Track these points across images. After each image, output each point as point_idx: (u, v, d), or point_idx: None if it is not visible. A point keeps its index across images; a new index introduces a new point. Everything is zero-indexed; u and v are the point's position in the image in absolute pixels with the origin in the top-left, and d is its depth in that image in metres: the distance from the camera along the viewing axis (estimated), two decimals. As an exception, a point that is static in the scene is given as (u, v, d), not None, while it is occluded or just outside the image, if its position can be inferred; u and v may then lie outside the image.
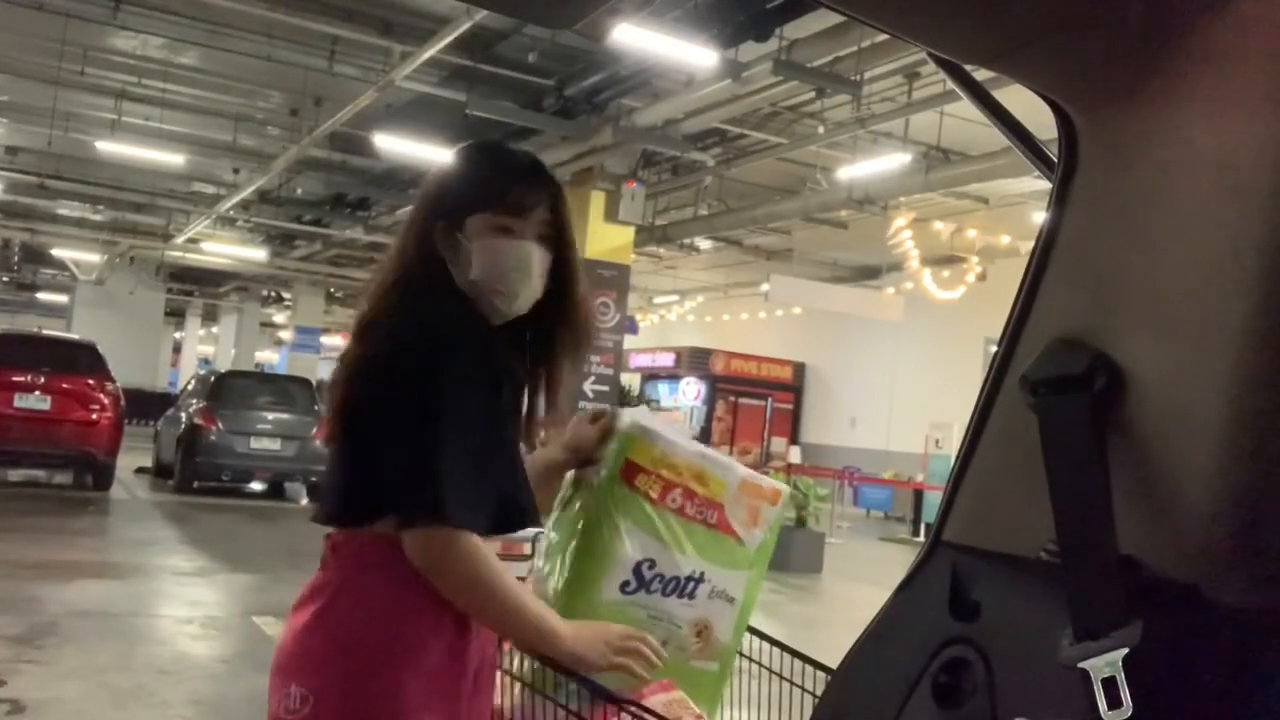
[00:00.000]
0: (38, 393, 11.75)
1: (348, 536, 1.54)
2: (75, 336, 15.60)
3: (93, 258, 24.32)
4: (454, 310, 1.57)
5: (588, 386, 13.31)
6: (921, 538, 15.01)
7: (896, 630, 1.08)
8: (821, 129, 12.19)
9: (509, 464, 1.57)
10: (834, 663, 1.17)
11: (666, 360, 24.35)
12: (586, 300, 1.72)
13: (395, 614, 1.49)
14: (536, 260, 1.59)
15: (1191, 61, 0.86)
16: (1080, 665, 0.82)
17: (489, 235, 1.58)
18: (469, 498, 1.45)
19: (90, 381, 12.17)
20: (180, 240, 22.03)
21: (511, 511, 1.53)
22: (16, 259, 27.51)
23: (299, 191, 19.65)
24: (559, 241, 1.63)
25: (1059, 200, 0.99)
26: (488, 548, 1.49)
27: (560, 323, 1.67)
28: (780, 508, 1.83)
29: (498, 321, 1.62)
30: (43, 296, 32.50)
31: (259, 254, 22.53)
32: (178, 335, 35.96)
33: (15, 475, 12.85)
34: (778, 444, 22.56)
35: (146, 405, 19.85)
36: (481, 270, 1.58)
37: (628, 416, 1.68)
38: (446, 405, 1.47)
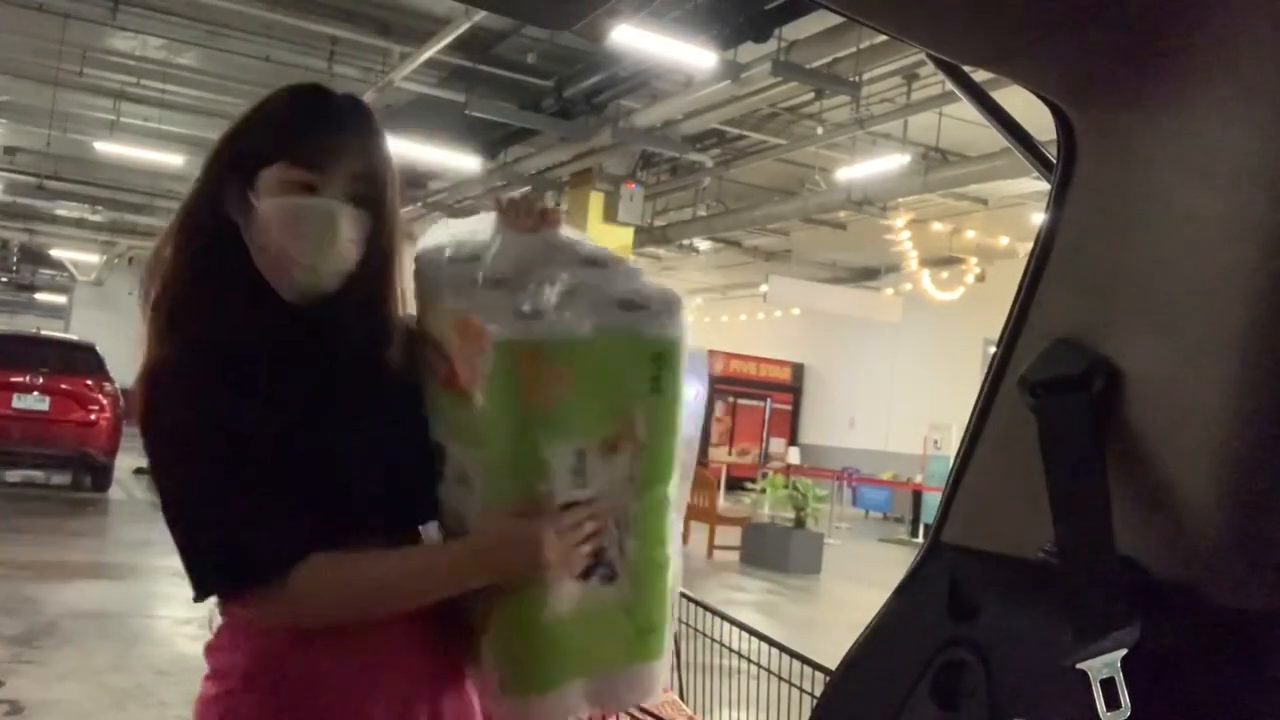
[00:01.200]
0: (36, 393, 11.74)
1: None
2: (74, 337, 15.59)
3: (91, 258, 24.30)
4: (225, 308, 1.29)
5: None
6: (920, 538, 15.01)
7: (895, 631, 1.08)
8: (820, 130, 12.19)
9: (242, 502, 1.23)
10: (833, 664, 1.17)
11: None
12: (396, 280, 1.39)
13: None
14: (344, 223, 1.28)
15: (1191, 63, 0.86)
16: (1079, 666, 0.82)
17: (282, 193, 1.27)
18: (221, 563, 1.23)
19: (89, 382, 12.15)
20: (179, 241, 22.00)
21: (240, 559, 1.21)
22: (15, 260, 27.51)
23: (298, 192, 19.64)
24: (376, 203, 1.32)
25: (1058, 201, 0.99)
26: (318, 559, 1.23)
27: (363, 304, 1.34)
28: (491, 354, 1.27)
29: (303, 301, 1.31)
30: (41, 297, 32.48)
31: (258, 255, 22.50)
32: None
33: (13, 476, 12.84)
34: (776, 444, 22.57)
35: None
36: (271, 236, 1.27)
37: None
38: (162, 457, 1.27)
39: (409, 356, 1.37)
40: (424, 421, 1.35)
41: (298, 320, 1.31)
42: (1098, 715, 0.80)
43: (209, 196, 1.31)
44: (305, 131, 1.30)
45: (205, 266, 1.31)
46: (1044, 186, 1.04)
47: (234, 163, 1.31)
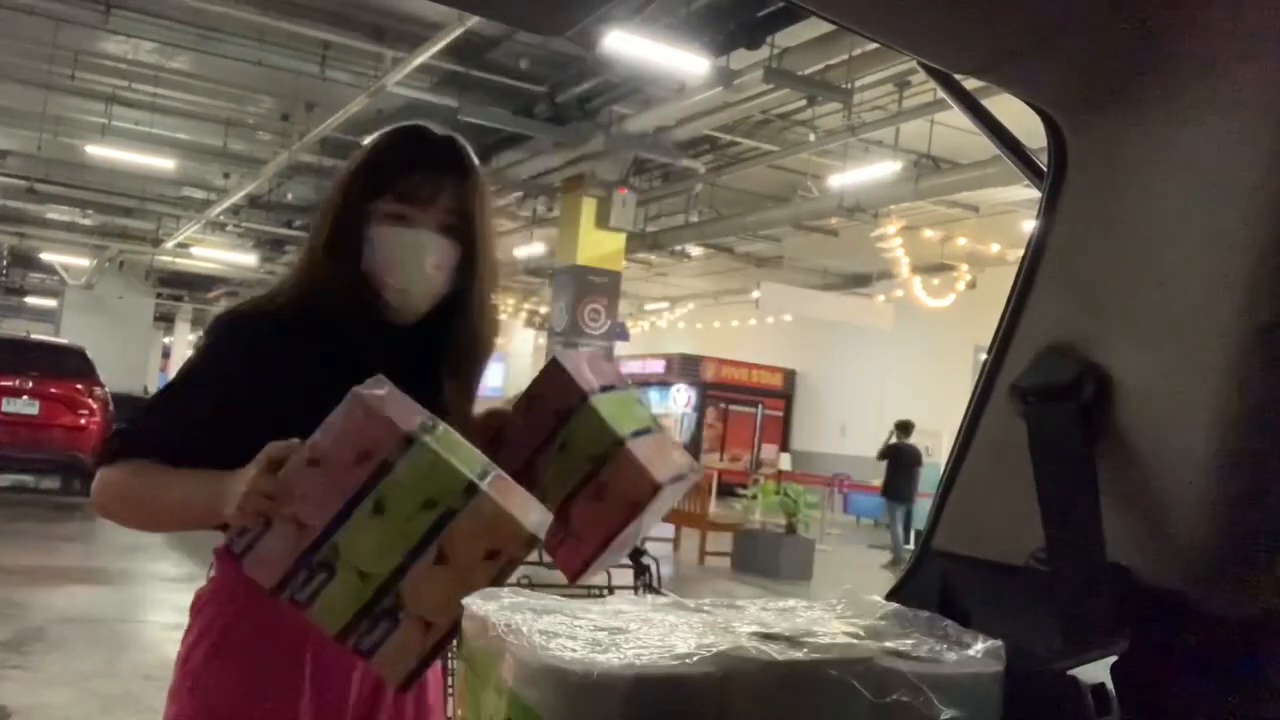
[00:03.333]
0: (26, 397, 11.69)
1: None
2: (64, 341, 15.51)
3: (82, 262, 24.22)
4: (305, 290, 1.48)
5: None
6: (911, 545, 15.01)
7: (886, 637, 1.08)
8: (812, 137, 12.21)
9: (174, 409, 1.45)
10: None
11: (657, 367, 24.34)
12: (488, 306, 1.57)
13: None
14: (432, 251, 1.47)
15: (1179, 72, 0.86)
16: (1069, 672, 0.82)
17: (384, 223, 1.47)
18: (113, 444, 1.42)
19: (79, 386, 12.10)
20: (170, 245, 21.95)
21: (111, 442, 1.43)
22: (5, 263, 27.41)
23: (289, 197, 19.60)
24: (466, 235, 1.50)
25: (1048, 209, 1.00)
26: (134, 462, 1.40)
27: (454, 327, 1.53)
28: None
29: (401, 319, 1.51)
30: (31, 301, 32.36)
31: (249, 259, 22.45)
32: (167, 340, 35.84)
33: (3, 480, 12.78)
34: (768, 451, 22.57)
35: (135, 410, 19.72)
36: (373, 259, 1.47)
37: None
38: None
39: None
40: None
41: (380, 331, 1.49)
42: (1087, 721, 0.80)
43: (353, 215, 1.50)
44: (405, 170, 1.48)
45: (329, 267, 1.49)
46: (1035, 194, 1.05)
47: (360, 193, 1.50)
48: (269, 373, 1.42)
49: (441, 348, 1.53)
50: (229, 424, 1.37)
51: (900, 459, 13.17)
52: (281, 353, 1.45)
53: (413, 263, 1.47)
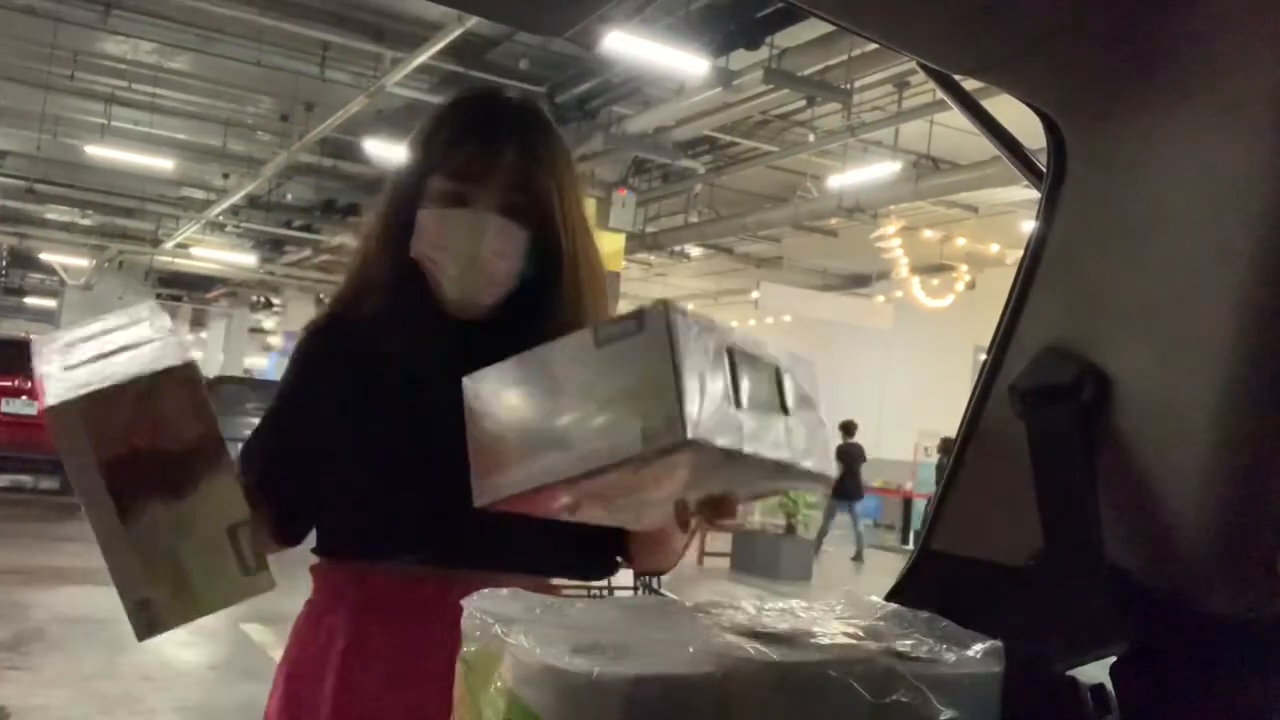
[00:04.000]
0: (24, 397, 11.69)
1: None
2: (63, 341, 15.49)
3: (81, 262, 24.22)
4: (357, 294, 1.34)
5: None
6: (910, 545, 15.01)
7: (885, 638, 1.08)
8: (812, 137, 12.21)
9: (255, 439, 1.36)
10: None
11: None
12: (587, 303, 1.33)
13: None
14: (491, 234, 1.26)
15: (1179, 74, 0.86)
16: (1069, 673, 0.82)
17: (433, 204, 1.29)
18: None
19: (78, 387, 12.10)
20: (169, 245, 21.95)
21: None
22: (4, 263, 27.39)
23: (289, 197, 19.60)
24: (540, 216, 1.29)
25: (1048, 210, 1.00)
26: None
27: (539, 324, 1.23)
28: None
29: (458, 312, 1.31)
30: (30, 301, 32.34)
31: (248, 259, 22.46)
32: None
33: (1, 480, 12.78)
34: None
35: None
36: (421, 243, 1.28)
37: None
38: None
39: None
40: None
41: (442, 331, 1.29)
42: (1087, 722, 0.80)
43: (386, 201, 1.35)
44: (458, 142, 1.29)
45: (379, 257, 1.34)
46: (1034, 195, 1.05)
47: (414, 169, 1.32)
48: (326, 383, 1.33)
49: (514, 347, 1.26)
50: (304, 446, 1.30)
51: (846, 459, 13.37)
52: (337, 359, 1.34)
53: (464, 248, 1.26)
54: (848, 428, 13.87)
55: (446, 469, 1.06)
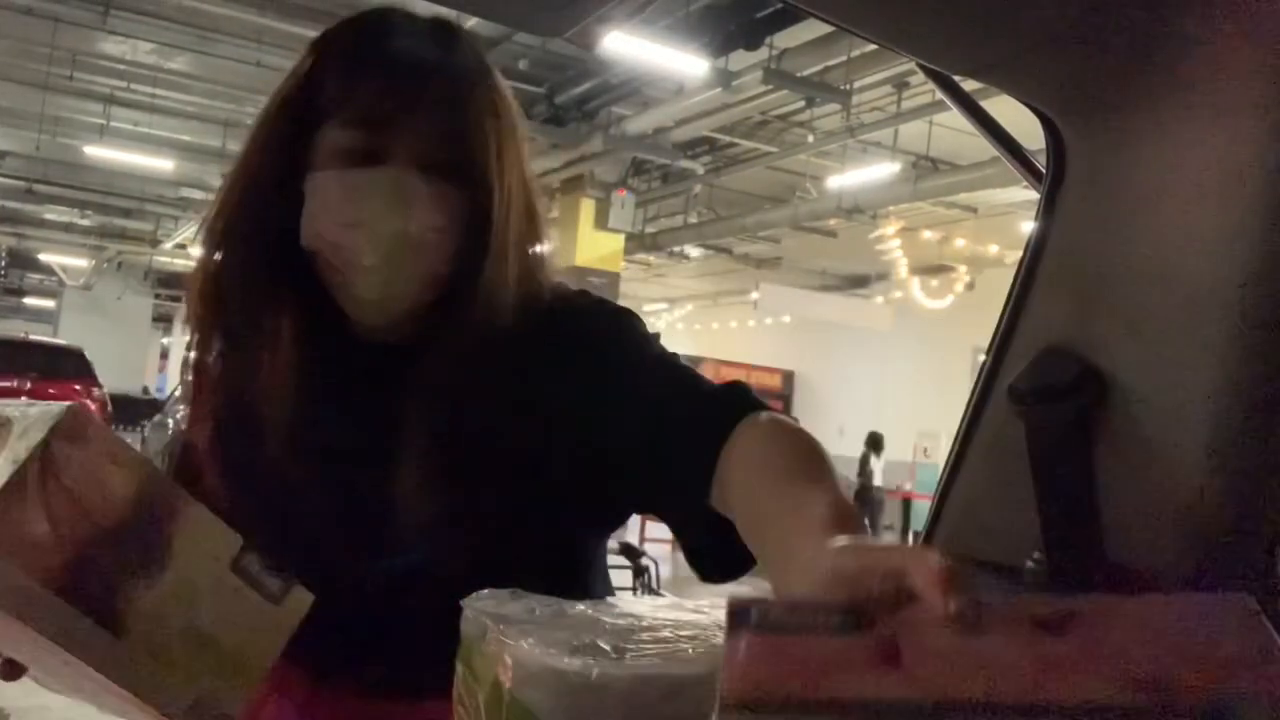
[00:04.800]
0: (24, 398, 11.69)
1: None
2: (62, 342, 15.53)
3: (80, 263, 24.23)
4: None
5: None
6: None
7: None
8: (811, 138, 12.21)
9: None
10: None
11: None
12: (508, 290, 0.92)
13: None
14: (421, 201, 0.87)
15: (1177, 76, 0.87)
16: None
17: (329, 164, 0.89)
18: None
19: (77, 387, 12.13)
20: (168, 246, 21.94)
21: None
22: (3, 264, 27.40)
23: (288, 198, 19.62)
24: (471, 173, 0.90)
25: (1047, 211, 1.00)
26: None
27: (452, 326, 0.90)
28: None
29: (371, 320, 0.93)
30: (29, 301, 32.34)
31: (247, 260, 22.46)
32: (165, 341, 35.81)
33: None
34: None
35: (133, 411, 19.76)
36: (317, 224, 0.89)
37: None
38: None
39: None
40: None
41: (345, 363, 0.93)
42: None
43: (260, 172, 0.92)
44: (359, 73, 0.89)
45: (248, 266, 0.93)
46: (1033, 196, 1.05)
47: (291, 121, 0.91)
48: (206, 443, 0.96)
49: (444, 379, 0.91)
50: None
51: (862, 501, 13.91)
52: (209, 408, 0.97)
53: (385, 222, 0.87)
54: (874, 441, 14.01)
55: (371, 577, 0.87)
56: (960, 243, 14.78)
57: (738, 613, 0.53)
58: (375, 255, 0.87)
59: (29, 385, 11.79)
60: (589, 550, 1.03)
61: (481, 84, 0.93)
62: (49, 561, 0.76)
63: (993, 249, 14.61)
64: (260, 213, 0.91)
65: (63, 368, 12.40)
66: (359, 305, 0.91)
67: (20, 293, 32.08)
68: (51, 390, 11.91)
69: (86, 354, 12.90)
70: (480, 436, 0.90)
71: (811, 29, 9.02)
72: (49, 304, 29.96)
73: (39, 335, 17.24)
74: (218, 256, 0.94)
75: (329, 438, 0.91)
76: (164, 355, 35.72)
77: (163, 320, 33.51)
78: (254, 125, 0.96)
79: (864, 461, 13.99)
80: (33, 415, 0.80)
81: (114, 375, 16.80)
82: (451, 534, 0.90)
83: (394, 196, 0.87)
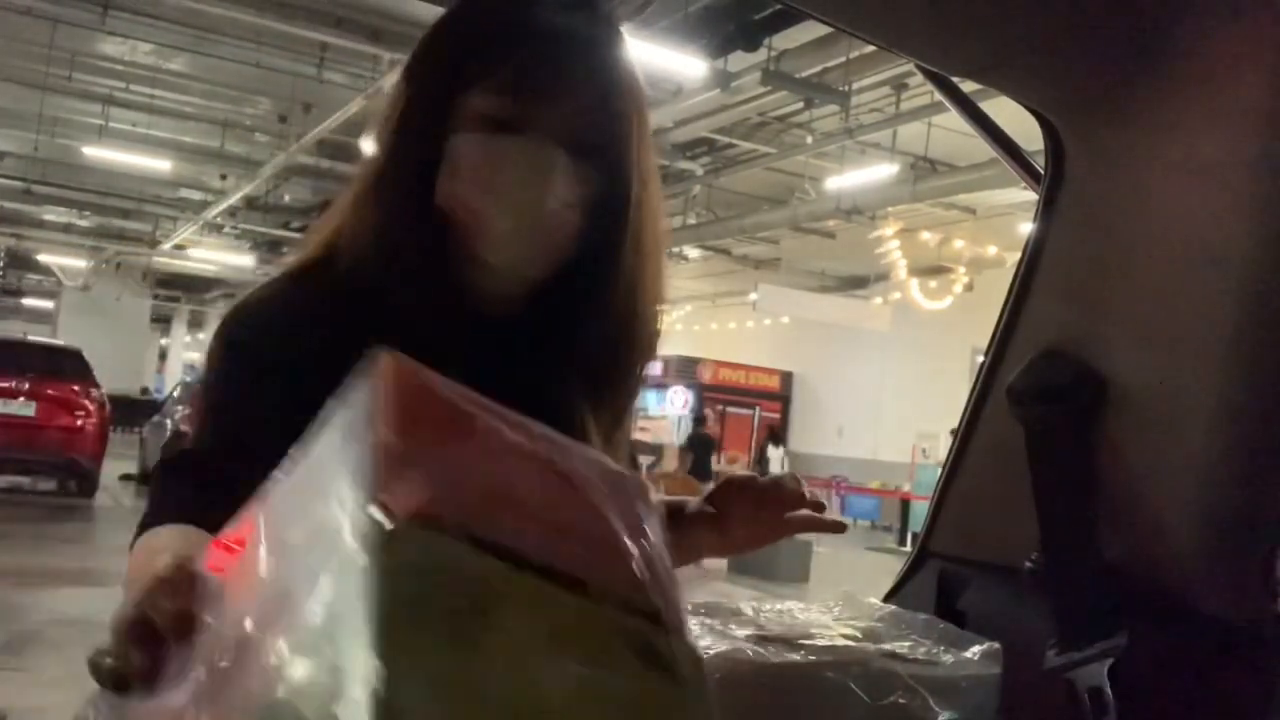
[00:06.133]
0: (22, 399, 11.67)
1: None
2: (60, 342, 15.50)
3: (79, 263, 24.22)
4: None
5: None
6: (908, 547, 14.99)
7: (883, 639, 1.08)
8: (810, 139, 12.22)
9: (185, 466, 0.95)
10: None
11: (654, 369, 24.30)
12: (643, 288, 0.95)
13: None
14: (560, 176, 0.87)
15: (1175, 78, 0.87)
16: (1066, 675, 0.82)
17: (472, 128, 0.88)
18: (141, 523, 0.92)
19: (75, 388, 12.10)
20: (167, 246, 21.94)
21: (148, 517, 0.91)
22: (2, 264, 27.39)
23: (287, 198, 19.59)
24: (608, 156, 0.90)
25: (1045, 212, 1.00)
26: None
27: (584, 317, 0.93)
28: None
29: (497, 303, 0.92)
30: (28, 302, 32.33)
31: (246, 260, 22.44)
32: (164, 341, 35.80)
33: (-1, 481, 12.77)
34: (774, 452, 22.60)
35: (132, 412, 19.74)
36: (456, 183, 0.88)
37: None
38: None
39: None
40: None
41: (463, 329, 0.90)
42: (1084, 723, 0.80)
43: (423, 122, 0.90)
44: (510, 41, 0.88)
45: (376, 208, 0.91)
46: (1032, 197, 1.05)
47: (434, 85, 0.91)
48: (287, 393, 0.79)
49: (564, 350, 0.94)
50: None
51: (698, 447, 14.93)
52: (297, 357, 0.85)
53: (522, 191, 0.87)
54: (697, 419, 16.19)
55: None
56: (959, 244, 14.79)
57: None
58: (509, 221, 0.88)
59: (27, 386, 11.77)
60: None
61: (625, 65, 0.93)
62: None
63: (991, 250, 14.62)
64: (407, 167, 0.91)
65: (61, 368, 12.37)
66: (483, 271, 0.90)
67: (19, 293, 32.07)
68: (50, 391, 11.89)
69: (85, 354, 12.87)
70: (575, 416, 0.93)
71: (810, 30, 9.02)
72: (47, 304, 29.95)
73: (37, 336, 17.23)
74: (354, 206, 0.94)
75: None
76: (162, 356, 35.73)
77: (161, 321, 33.52)
78: (390, 97, 0.96)
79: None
80: None
81: (112, 376, 16.79)
82: None
83: (535, 167, 0.87)
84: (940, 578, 1.03)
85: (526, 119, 0.87)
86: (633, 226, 0.92)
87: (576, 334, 0.93)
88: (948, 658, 0.83)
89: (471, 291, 0.92)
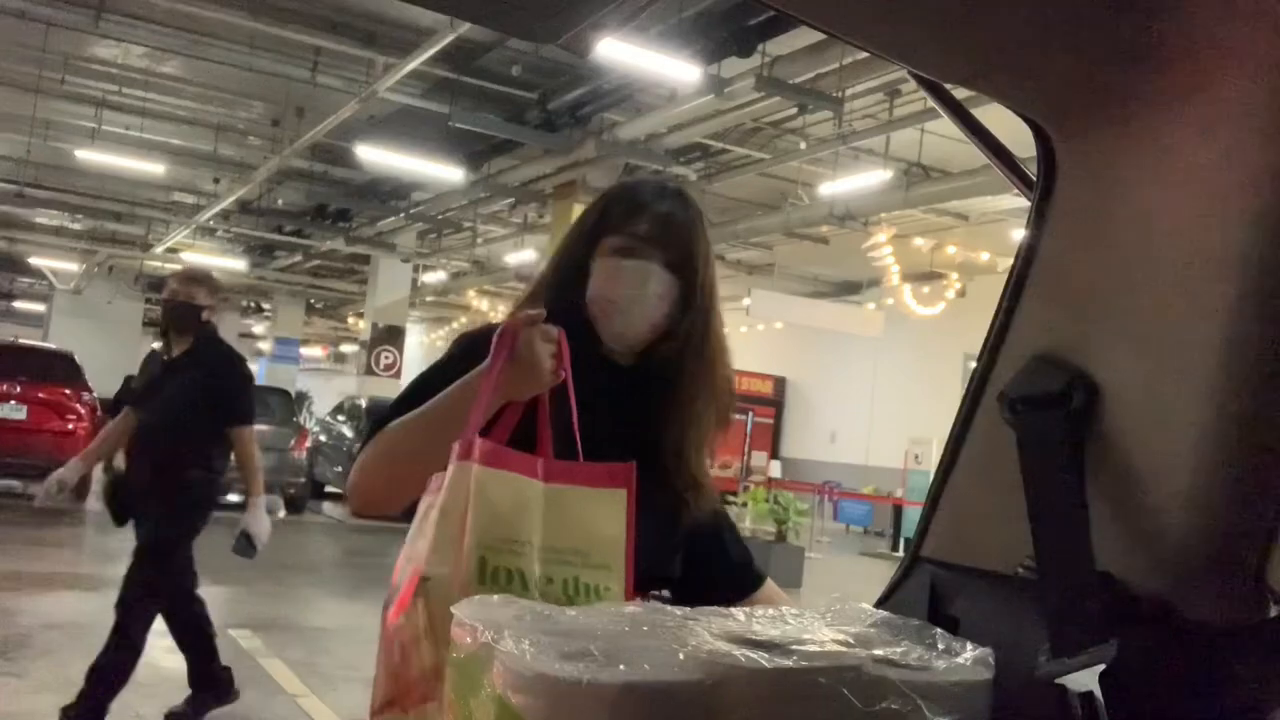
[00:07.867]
0: (13, 402, 11.65)
1: None
2: (52, 346, 15.47)
3: (71, 267, 24.16)
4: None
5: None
6: (901, 552, 15.01)
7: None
8: (803, 145, 12.25)
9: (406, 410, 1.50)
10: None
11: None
12: (713, 344, 1.60)
13: None
14: (654, 280, 1.53)
15: (1168, 84, 0.87)
16: (1058, 680, 0.82)
17: (610, 255, 1.56)
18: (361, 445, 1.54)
19: (67, 391, 12.07)
20: (159, 250, 21.90)
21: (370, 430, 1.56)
22: (-7, 267, 27.34)
23: (280, 202, 19.58)
24: (688, 274, 1.56)
25: (1037, 219, 1.00)
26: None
27: (676, 363, 1.56)
28: None
29: (620, 354, 1.58)
30: (20, 305, 32.26)
31: (239, 264, 22.42)
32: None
33: (-10, 485, 12.73)
34: (758, 458, 22.58)
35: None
36: (595, 288, 1.55)
37: None
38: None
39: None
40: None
41: (601, 367, 1.55)
42: (1076, 730, 0.80)
43: (580, 252, 1.60)
44: (631, 211, 1.58)
45: (550, 295, 1.58)
46: (1024, 203, 1.05)
47: (592, 229, 1.60)
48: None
49: (664, 389, 1.56)
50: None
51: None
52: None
53: (635, 287, 1.53)
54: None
55: None
56: (951, 250, 14.82)
57: None
58: (624, 307, 1.54)
59: (19, 389, 11.73)
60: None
61: (697, 221, 1.60)
62: None
63: (984, 256, 14.65)
64: (568, 275, 1.59)
65: (53, 372, 12.34)
66: (611, 338, 1.56)
67: (10, 296, 31.99)
68: (41, 394, 11.86)
69: (77, 358, 12.84)
70: (673, 429, 1.56)
71: (804, 36, 9.04)
72: (39, 308, 29.87)
73: (29, 339, 17.18)
74: (535, 294, 1.62)
75: (585, 423, 1.39)
76: (154, 360, 35.56)
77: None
78: (565, 235, 1.66)
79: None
80: None
81: (104, 379, 16.74)
82: (662, 520, 1.49)
83: (640, 275, 1.54)
84: (933, 583, 1.03)
85: (638, 250, 1.54)
86: (703, 305, 1.57)
87: (673, 373, 1.56)
88: (940, 663, 0.83)
89: (608, 348, 1.57)
